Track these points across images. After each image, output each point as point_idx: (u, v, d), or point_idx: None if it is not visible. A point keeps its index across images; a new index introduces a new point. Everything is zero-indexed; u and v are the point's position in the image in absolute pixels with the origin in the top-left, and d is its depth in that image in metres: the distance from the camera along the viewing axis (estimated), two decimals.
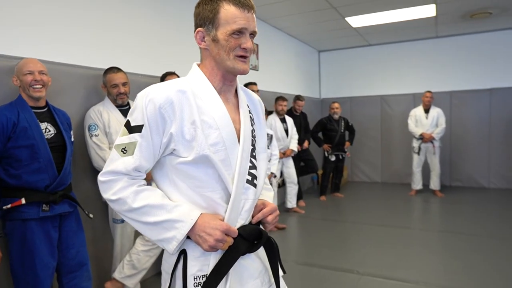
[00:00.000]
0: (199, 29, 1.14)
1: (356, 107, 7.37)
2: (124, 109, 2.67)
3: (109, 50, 2.88)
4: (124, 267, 2.63)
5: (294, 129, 5.03)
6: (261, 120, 1.29)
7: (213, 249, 1.06)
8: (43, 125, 2.04)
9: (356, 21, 5.52)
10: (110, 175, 1.08)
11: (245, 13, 1.09)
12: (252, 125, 1.20)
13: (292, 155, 4.98)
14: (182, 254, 1.10)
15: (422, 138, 5.79)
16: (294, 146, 4.95)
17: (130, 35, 3.08)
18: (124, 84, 2.59)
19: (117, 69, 2.60)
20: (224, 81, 1.16)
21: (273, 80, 5.69)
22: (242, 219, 1.15)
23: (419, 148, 5.86)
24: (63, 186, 2.08)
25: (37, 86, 2.00)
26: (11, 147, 1.91)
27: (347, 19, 5.40)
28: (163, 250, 1.18)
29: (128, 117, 1.10)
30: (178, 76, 3.09)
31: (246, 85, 4.19)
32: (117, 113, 2.60)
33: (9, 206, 1.90)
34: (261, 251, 1.22)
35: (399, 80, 7.04)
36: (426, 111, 5.86)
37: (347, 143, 6.07)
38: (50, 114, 2.13)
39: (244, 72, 1.14)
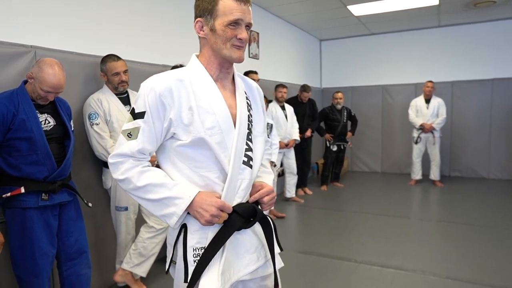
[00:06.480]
0: (198, 19, 1.21)
1: (357, 97, 7.33)
2: (123, 97, 2.65)
3: (108, 37, 2.86)
4: (132, 256, 2.63)
5: (294, 117, 5.02)
6: (258, 105, 1.36)
7: (209, 223, 1.15)
8: (43, 117, 2.02)
9: (358, 9, 5.45)
10: (117, 157, 1.18)
11: (241, 5, 1.16)
12: (249, 110, 1.27)
13: (294, 144, 4.98)
14: (183, 228, 1.20)
15: (422, 128, 5.78)
16: (296, 135, 4.94)
17: (130, 22, 3.05)
18: (125, 72, 2.58)
19: (117, 57, 2.57)
20: (221, 68, 1.24)
21: (274, 69, 5.66)
22: (239, 198, 1.23)
23: (419, 138, 5.86)
24: (63, 177, 2.08)
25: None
26: (10, 138, 1.90)
27: (349, 7, 5.33)
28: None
29: (133, 105, 1.19)
30: None
31: (246, 74, 4.16)
32: (116, 101, 2.59)
33: (8, 194, 1.91)
34: (259, 228, 1.30)
35: (401, 69, 6.98)
36: (427, 101, 5.83)
37: (349, 134, 6.07)
38: (53, 105, 2.11)
39: (239, 60, 1.21)
